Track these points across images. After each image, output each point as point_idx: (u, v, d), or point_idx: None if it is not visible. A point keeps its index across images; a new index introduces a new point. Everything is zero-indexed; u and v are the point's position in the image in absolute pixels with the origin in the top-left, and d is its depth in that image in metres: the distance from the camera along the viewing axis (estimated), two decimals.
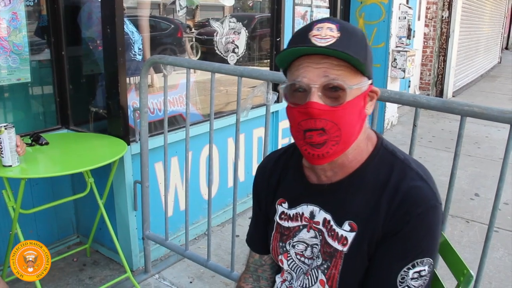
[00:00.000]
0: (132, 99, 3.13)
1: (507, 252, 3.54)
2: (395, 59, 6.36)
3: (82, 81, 3.34)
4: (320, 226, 1.25)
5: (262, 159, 1.52)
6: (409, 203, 1.13)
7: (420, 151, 5.64)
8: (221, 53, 3.95)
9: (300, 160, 1.31)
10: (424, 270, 1.15)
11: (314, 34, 1.08)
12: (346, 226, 1.19)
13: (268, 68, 4.40)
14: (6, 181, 2.45)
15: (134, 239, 3.08)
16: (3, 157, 2.31)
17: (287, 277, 1.37)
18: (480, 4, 11.97)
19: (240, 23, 4.10)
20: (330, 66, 1.07)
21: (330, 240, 1.22)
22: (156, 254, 3.26)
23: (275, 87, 2.87)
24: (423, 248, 1.14)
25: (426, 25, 9.22)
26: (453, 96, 9.69)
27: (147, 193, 2.91)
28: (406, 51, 6.36)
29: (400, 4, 6.37)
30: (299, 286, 1.31)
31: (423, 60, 9.46)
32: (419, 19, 8.50)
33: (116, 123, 2.83)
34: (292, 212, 1.31)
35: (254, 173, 1.46)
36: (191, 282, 3.06)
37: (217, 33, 3.94)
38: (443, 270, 1.53)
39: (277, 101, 4.03)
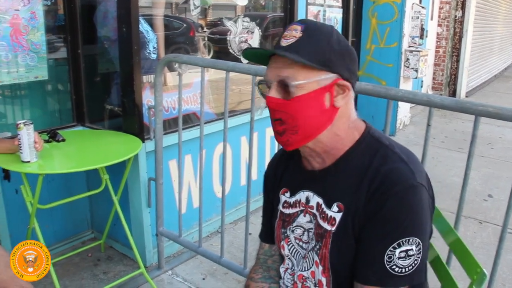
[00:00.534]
0: (147, 97, 3.16)
1: None
2: (407, 59, 6.35)
3: (97, 79, 3.39)
4: (314, 210, 1.33)
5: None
6: (387, 184, 1.19)
7: (433, 152, 5.63)
8: (235, 52, 3.97)
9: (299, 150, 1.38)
10: (412, 249, 1.18)
11: (284, 35, 1.23)
12: (335, 207, 1.27)
13: None
14: (24, 177, 2.49)
15: (147, 235, 3.12)
16: (21, 153, 2.35)
17: (288, 264, 1.44)
18: (494, 3, 11.87)
19: (254, 22, 4.12)
20: (284, 65, 1.21)
21: (321, 222, 1.30)
22: (169, 250, 3.29)
23: None
24: (405, 227, 1.18)
25: (439, 25, 9.18)
26: (466, 97, 9.63)
27: (161, 190, 2.95)
28: (419, 51, 6.34)
29: (413, 3, 6.35)
30: (299, 270, 1.38)
31: (436, 60, 9.42)
32: (432, 18, 8.47)
33: (131, 121, 2.87)
34: (292, 199, 1.40)
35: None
36: (203, 279, 3.09)
37: (230, 32, 3.96)
38: (456, 271, 1.55)
39: None
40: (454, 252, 1.48)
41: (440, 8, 9.09)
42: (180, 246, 3.28)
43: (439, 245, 1.55)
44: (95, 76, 3.35)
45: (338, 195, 1.27)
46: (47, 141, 2.70)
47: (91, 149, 2.75)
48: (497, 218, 4.11)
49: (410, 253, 1.17)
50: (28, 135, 2.33)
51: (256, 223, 3.62)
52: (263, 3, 4.97)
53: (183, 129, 3.12)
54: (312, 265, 1.33)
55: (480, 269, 1.34)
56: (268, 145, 4.07)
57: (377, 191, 1.20)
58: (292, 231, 1.39)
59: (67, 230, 3.36)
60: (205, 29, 4.18)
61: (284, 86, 1.21)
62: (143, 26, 3.19)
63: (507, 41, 15.62)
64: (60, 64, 3.26)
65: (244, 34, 4.01)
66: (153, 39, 3.28)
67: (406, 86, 6.48)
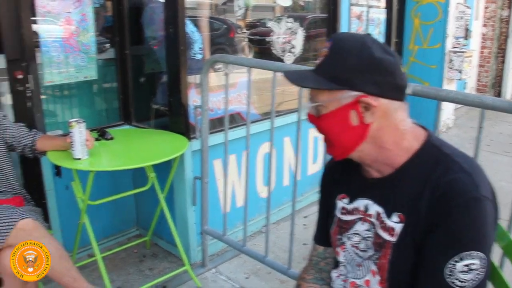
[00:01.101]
0: (192, 97, 3.21)
1: None
2: (451, 60, 6.23)
3: (144, 79, 3.46)
4: (373, 219, 1.32)
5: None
6: (449, 195, 1.16)
7: (478, 155, 5.49)
8: (278, 53, 3.98)
9: None
10: (474, 264, 1.15)
11: (320, 52, 1.27)
12: (395, 217, 1.26)
13: None
14: (75, 173, 2.57)
15: (192, 233, 3.16)
16: (73, 150, 2.43)
17: (342, 270, 1.43)
18: None
19: (297, 23, 4.13)
20: None
21: (380, 231, 1.28)
22: (212, 249, 3.33)
23: None
24: (468, 240, 1.15)
25: (484, 25, 8.96)
26: None
27: (206, 189, 2.98)
28: (463, 52, 6.21)
29: (458, 3, 6.23)
30: (353, 278, 1.37)
31: (481, 61, 9.19)
32: (476, 18, 8.28)
33: (178, 120, 2.92)
34: (350, 206, 1.39)
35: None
36: (247, 278, 3.11)
37: (273, 33, 3.98)
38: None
39: None
40: (508, 255, 1.45)
41: (486, 8, 8.88)
42: (224, 244, 3.31)
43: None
44: (141, 76, 3.43)
45: (398, 205, 1.26)
46: (96, 139, 2.77)
47: (139, 148, 2.81)
48: None
49: (473, 267, 1.15)
50: (80, 133, 2.40)
51: (299, 224, 3.63)
52: (303, 4, 4.97)
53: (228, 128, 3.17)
54: (367, 274, 1.32)
55: None
56: (311, 147, 4.07)
57: (439, 202, 1.17)
58: (349, 238, 1.38)
59: (113, 227, 3.44)
60: (244, 30, 4.20)
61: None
62: (189, 27, 3.25)
63: None
64: (107, 65, 3.35)
65: (287, 35, 4.02)
66: (198, 39, 3.33)
67: (449, 87, 6.36)
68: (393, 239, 1.25)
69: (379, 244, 1.29)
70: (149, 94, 3.45)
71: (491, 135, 6.75)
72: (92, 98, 3.39)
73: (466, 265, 1.15)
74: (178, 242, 2.92)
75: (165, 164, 2.69)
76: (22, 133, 2.56)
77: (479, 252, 1.15)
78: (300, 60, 4.21)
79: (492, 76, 9.24)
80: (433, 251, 1.18)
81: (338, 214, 1.42)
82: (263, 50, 4.22)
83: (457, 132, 6.90)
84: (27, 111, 2.78)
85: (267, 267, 2.91)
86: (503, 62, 9.10)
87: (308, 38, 4.39)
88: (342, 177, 1.45)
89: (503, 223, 1.46)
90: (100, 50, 3.26)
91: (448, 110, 6.85)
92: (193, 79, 3.29)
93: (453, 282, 1.15)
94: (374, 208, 1.32)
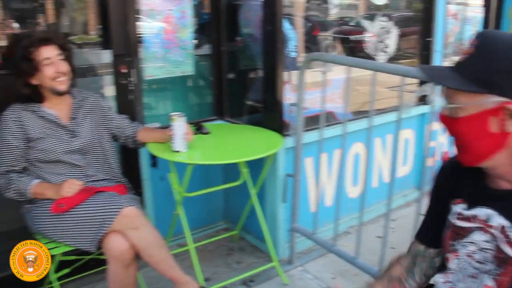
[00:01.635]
0: (286, 95, 3.21)
1: None
2: None
3: (238, 76, 3.51)
4: (495, 231, 1.22)
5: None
6: None
7: None
8: (371, 52, 3.91)
9: None
10: None
11: (463, 49, 1.20)
12: None
13: None
14: (172, 165, 2.65)
15: (281, 230, 3.18)
16: (173, 143, 2.51)
17: (450, 278, 1.36)
18: None
19: (391, 22, 4.03)
20: None
21: (504, 246, 1.20)
22: (299, 247, 3.32)
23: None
24: None
25: None
26: None
27: (298, 187, 2.99)
28: None
29: None
30: None
31: None
32: None
33: (272, 117, 2.94)
34: (468, 213, 1.31)
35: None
36: (333, 278, 3.08)
37: (366, 31, 3.91)
38: None
39: (424, 103, 3.93)
40: None
41: None
42: (311, 243, 3.29)
43: None
44: (236, 72, 3.48)
45: None
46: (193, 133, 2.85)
47: (234, 143, 2.86)
48: None
49: None
50: (180, 126, 2.47)
51: (387, 227, 3.54)
52: (396, 2, 4.85)
53: (319, 128, 3.16)
54: (481, 287, 1.25)
55: None
56: (401, 148, 3.96)
57: None
58: (464, 246, 1.31)
59: (202, 219, 3.52)
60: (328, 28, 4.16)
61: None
62: (284, 25, 3.25)
63: None
64: (203, 60, 3.43)
65: (381, 34, 3.93)
66: (293, 37, 3.33)
67: None
68: None
69: (501, 259, 1.21)
70: (242, 90, 3.51)
71: None
72: (187, 92, 3.49)
73: None
74: (267, 238, 2.95)
75: (257, 159, 2.71)
76: (125, 125, 2.68)
77: None
78: (392, 59, 4.11)
79: None
80: None
81: (452, 219, 1.35)
82: (348, 48, 4.17)
83: None
84: (129, 104, 2.91)
85: (354, 268, 2.87)
86: None
87: (401, 37, 4.28)
88: (460, 181, 1.37)
89: None
90: (196, 46, 3.34)
91: None
92: (287, 76, 3.30)
93: None
94: (498, 220, 1.22)
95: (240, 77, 3.56)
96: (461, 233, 1.32)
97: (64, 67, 2.39)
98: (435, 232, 1.44)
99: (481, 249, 1.26)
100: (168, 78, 3.22)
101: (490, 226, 1.24)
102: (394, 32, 4.04)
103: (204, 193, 3.00)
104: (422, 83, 3.71)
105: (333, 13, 3.70)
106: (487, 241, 1.25)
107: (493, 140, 1.17)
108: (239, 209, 3.37)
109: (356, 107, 3.94)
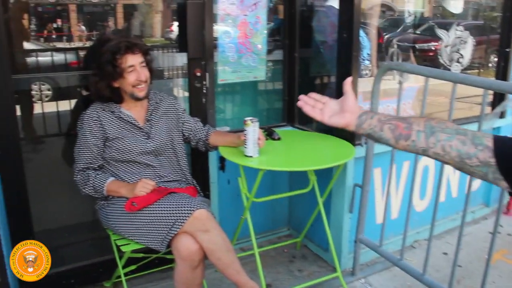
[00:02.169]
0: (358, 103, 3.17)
1: None
2: None
3: (309, 82, 3.50)
4: None
5: None
6: None
7: None
8: (445, 62, 3.80)
9: None
10: None
11: None
12: None
13: None
14: (242, 170, 2.66)
15: (345, 240, 3.13)
16: (246, 147, 2.51)
17: None
18: None
19: (468, 31, 3.90)
20: None
21: None
22: (362, 258, 3.26)
23: None
24: None
25: None
26: None
27: (366, 198, 2.93)
28: None
29: None
30: None
31: None
32: None
33: None
34: None
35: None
36: None
37: (441, 41, 3.80)
38: None
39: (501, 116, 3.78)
40: None
41: None
42: (374, 254, 3.23)
43: None
44: (308, 79, 3.47)
45: None
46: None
47: (304, 150, 2.84)
48: None
49: None
50: (253, 131, 2.48)
51: (452, 243, 3.42)
52: (472, 11, 4.69)
53: None
54: None
55: None
56: None
57: None
58: None
59: (266, 224, 3.52)
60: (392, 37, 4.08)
61: None
62: (360, 33, 3.21)
63: None
64: (275, 66, 3.44)
65: (457, 43, 3.82)
66: (367, 45, 3.29)
67: None
68: None
69: None
70: None
71: None
72: (257, 97, 3.50)
73: None
74: (332, 247, 2.91)
75: (325, 167, 2.69)
76: (198, 127, 2.72)
77: None
78: (466, 69, 3.98)
79: None
80: None
81: None
82: (408, 57, 4.07)
83: None
84: (201, 107, 2.95)
85: (418, 284, 2.78)
86: None
87: (476, 47, 4.14)
88: None
89: None
90: (268, 51, 3.35)
91: None
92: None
93: None
94: None
95: (311, 84, 3.54)
96: None
97: (145, 74, 2.46)
98: None
99: None
100: (240, 82, 3.24)
101: None
102: (470, 42, 3.91)
103: (270, 199, 3.01)
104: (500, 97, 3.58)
105: (409, 21, 3.60)
106: None
107: None
108: (304, 216, 3.35)
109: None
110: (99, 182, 2.43)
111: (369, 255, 3.29)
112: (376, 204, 3.26)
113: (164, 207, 2.29)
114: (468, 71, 4.19)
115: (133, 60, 2.42)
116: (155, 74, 2.79)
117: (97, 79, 2.46)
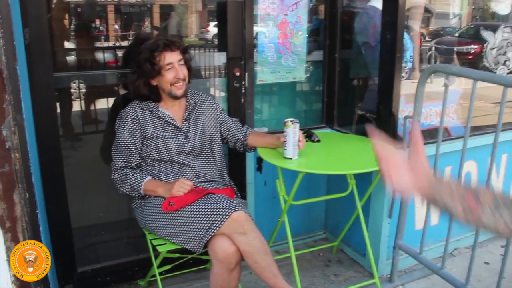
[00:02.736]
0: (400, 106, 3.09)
1: None
2: None
3: (350, 84, 3.44)
4: None
5: None
6: None
7: None
8: (490, 65, 3.68)
9: None
10: None
11: None
12: None
13: None
14: (280, 172, 2.62)
15: (383, 246, 3.06)
16: (285, 149, 2.47)
17: None
18: None
19: None
20: None
21: None
22: (400, 265, 3.17)
23: None
24: None
25: None
26: None
27: (407, 203, 2.85)
28: None
29: None
30: None
31: None
32: None
33: (385, 129, 2.82)
34: None
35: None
36: None
37: (487, 43, 3.69)
38: None
39: None
40: None
41: None
42: (413, 261, 3.14)
43: None
44: (348, 81, 3.41)
45: None
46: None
47: (344, 153, 2.78)
48: None
49: None
50: (294, 133, 2.43)
51: (494, 253, 3.31)
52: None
53: (431, 143, 3.00)
54: None
55: None
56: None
57: None
58: None
59: (302, 227, 3.47)
60: (427, 38, 3.98)
61: None
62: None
63: None
64: (314, 67, 3.39)
65: (504, 46, 3.69)
66: (410, 47, 3.20)
67: None
68: None
69: None
70: (354, 99, 3.42)
71: None
72: (296, 98, 3.46)
73: None
74: (370, 253, 2.84)
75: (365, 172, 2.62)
76: (236, 128, 2.69)
77: None
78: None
79: None
80: None
81: None
82: (448, 60, 3.96)
83: None
84: (240, 107, 2.92)
85: None
86: None
87: None
88: None
89: None
90: (308, 52, 3.30)
91: None
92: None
93: None
94: None
95: (351, 86, 3.48)
96: None
97: (183, 72, 2.45)
98: None
99: None
100: (278, 83, 3.20)
101: None
102: None
103: (307, 202, 2.96)
104: None
105: (454, 22, 3.50)
106: None
107: None
108: (341, 220, 3.29)
109: (477, 123, 3.71)
110: (136, 181, 2.43)
111: (407, 262, 3.20)
112: (416, 210, 3.17)
113: (202, 208, 2.26)
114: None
115: (171, 58, 2.41)
116: (196, 73, 2.78)
117: (135, 77, 2.45)
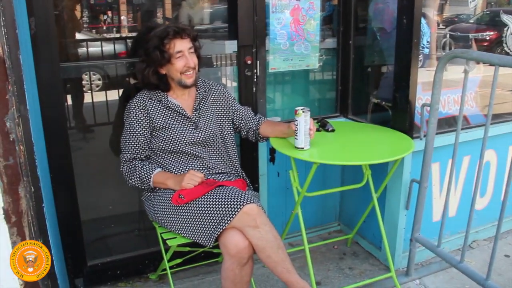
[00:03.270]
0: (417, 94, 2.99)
1: None
2: None
3: (364, 71, 3.34)
4: None
5: None
6: None
7: None
8: (510, 50, 3.56)
9: None
10: None
11: None
12: None
13: None
14: (293, 163, 2.55)
15: (399, 239, 2.97)
16: (296, 139, 2.39)
17: None
18: None
19: None
20: None
21: None
22: (417, 258, 3.09)
23: None
24: None
25: None
26: None
27: (424, 194, 2.76)
28: None
29: None
30: None
31: None
32: None
33: (402, 118, 2.74)
34: None
35: None
36: None
37: (508, 27, 3.56)
38: None
39: None
40: None
41: None
42: (430, 254, 3.06)
43: None
44: (362, 68, 3.31)
45: None
46: (317, 130, 2.73)
47: (359, 143, 2.69)
48: None
49: None
50: (305, 122, 2.35)
51: None
52: None
53: (449, 132, 2.91)
54: None
55: None
56: None
57: None
58: None
59: (315, 219, 3.41)
60: (441, 26, 3.85)
61: None
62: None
63: None
64: (328, 54, 3.29)
65: None
66: (427, 32, 3.09)
67: None
68: None
69: None
70: (369, 87, 3.32)
71: None
72: (309, 87, 3.37)
73: None
74: (386, 246, 2.76)
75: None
76: (249, 116, 2.61)
77: None
78: None
79: None
80: None
81: None
82: (467, 47, 3.84)
83: None
84: (252, 96, 2.85)
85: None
86: None
87: None
88: None
89: None
90: (322, 39, 3.21)
91: None
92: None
93: None
94: None
95: (366, 73, 3.38)
96: None
97: (194, 61, 2.38)
98: None
99: None
100: (291, 71, 3.12)
101: None
102: None
103: (322, 194, 2.88)
104: None
105: (472, 6, 3.38)
106: None
107: None
108: (356, 212, 3.21)
109: (499, 110, 3.60)
110: (145, 173, 2.37)
111: (424, 255, 3.12)
112: (434, 201, 3.08)
113: (212, 201, 2.19)
114: None
115: (182, 46, 2.34)
116: (207, 61, 2.71)
117: (144, 66, 2.38)
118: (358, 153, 2.53)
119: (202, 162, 2.44)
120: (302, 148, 2.40)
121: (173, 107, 2.42)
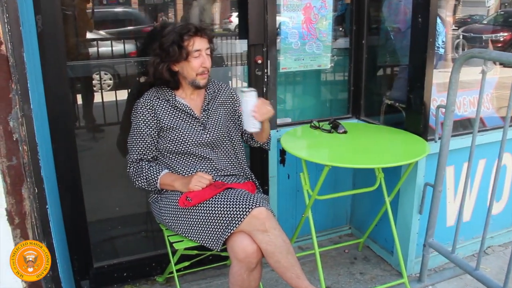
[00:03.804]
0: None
1: None
2: None
3: (377, 72, 3.27)
4: None
5: None
6: None
7: None
8: None
9: None
10: None
11: None
12: None
13: None
14: (304, 165, 2.49)
15: (412, 243, 2.89)
16: (243, 121, 2.27)
17: None
18: None
19: None
20: None
21: None
22: (430, 263, 3.01)
23: None
24: None
25: None
26: None
27: (438, 198, 2.68)
28: None
29: None
30: None
31: None
32: None
33: (416, 119, 2.67)
34: None
35: None
36: None
37: None
38: None
39: None
40: None
41: None
42: (443, 259, 2.99)
43: None
44: (376, 68, 3.24)
45: None
46: (328, 131, 2.66)
47: (372, 145, 2.63)
48: None
49: None
50: (246, 102, 2.19)
51: None
52: None
53: (463, 134, 2.83)
54: None
55: None
56: None
57: None
58: None
59: (326, 222, 3.35)
60: (453, 27, 3.78)
61: None
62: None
63: None
64: (340, 54, 3.23)
65: None
66: (442, 32, 3.02)
67: None
68: None
69: None
70: (382, 87, 3.25)
71: None
72: (321, 87, 3.31)
73: None
74: (398, 251, 2.69)
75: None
76: None
77: None
78: None
79: None
80: None
81: None
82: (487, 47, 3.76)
83: None
84: (262, 96, 2.79)
85: None
86: None
87: None
88: None
89: None
90: (334, 38, 3.14)
91: None
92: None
93: None
94: None
95: (380, 74, 3.30)
96: None
97: (209, 62, 2.32)
98: None
99: None
100: (302, 71, 3.06)
101: None
102: None
103: (333, 197, 2.82)
104: None
105: (489, 5, 3.30)
106: None
107: None
108: (367, 215, 3.14)
109: (502, 112, 3.52)
110: (152, 175, 2.32)
111: (437, 260, 3.05)
112: (448, 205, 3.00)
113: (220, 204, 2.13)
114: None
115: (200, 45, 2.28)
116: (217, 61, 2.66)
117: (158, 60, 2.32)
118: (370, 156, 2.46)
119: (210, 163, 2.38)
120: (246, 131, 2.33)
121: (181, 107, 2.37)
